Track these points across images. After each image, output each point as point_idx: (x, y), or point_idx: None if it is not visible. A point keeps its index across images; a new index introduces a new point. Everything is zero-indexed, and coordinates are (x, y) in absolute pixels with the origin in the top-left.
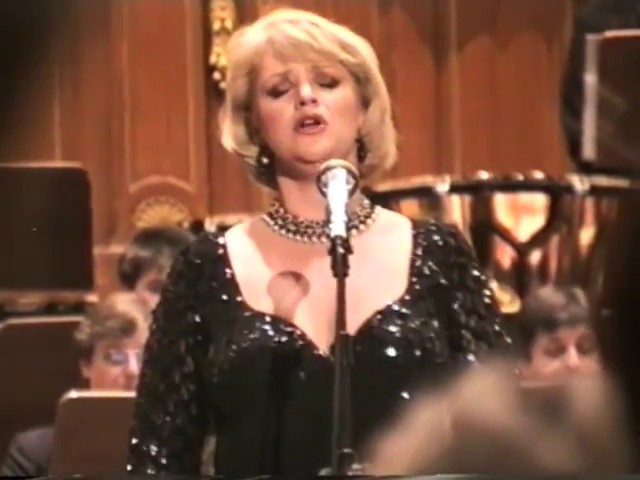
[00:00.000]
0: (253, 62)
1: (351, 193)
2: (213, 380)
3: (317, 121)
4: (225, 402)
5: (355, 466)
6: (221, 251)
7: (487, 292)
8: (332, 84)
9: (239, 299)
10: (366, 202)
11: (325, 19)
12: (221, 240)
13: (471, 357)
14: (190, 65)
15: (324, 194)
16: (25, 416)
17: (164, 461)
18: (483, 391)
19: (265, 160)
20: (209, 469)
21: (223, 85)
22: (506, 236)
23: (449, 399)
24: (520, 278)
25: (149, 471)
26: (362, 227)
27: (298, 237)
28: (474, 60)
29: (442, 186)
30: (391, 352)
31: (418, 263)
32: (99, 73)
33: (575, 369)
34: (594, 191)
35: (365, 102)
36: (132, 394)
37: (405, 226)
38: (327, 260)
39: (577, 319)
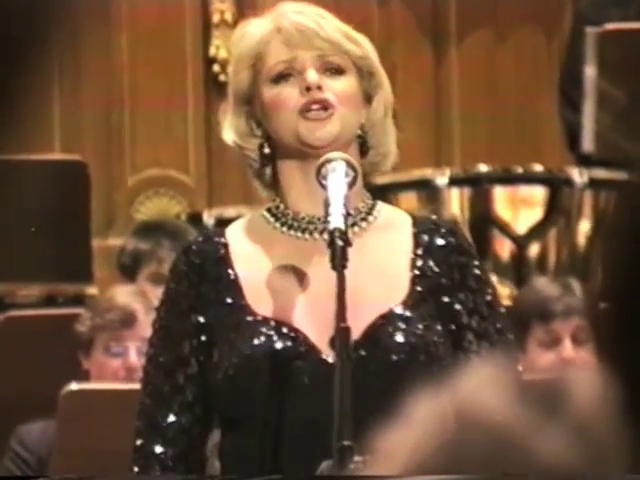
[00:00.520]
0: (258, 51)
1: (350, 185)
2: (218, 385)
3: (325, 106)
4: (230, 406)
5: (356, 458)
6: (222, 251)
7: (489, 290)
8: (337, 72)
9: (242, 302)
10: (368, 197)
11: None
12: (222, 239)
13: (473, 357)
14: (190, 58)
15: (323, 187)
16: (25, 408)
17: (170, 462)
18: (480, 384)
19: (267, 150)
20: (214, 462)
21: (222, 78)
22: (505, 229)
23: (448, 392)
24: (519, 271)
25: (155, 473)
26: (364, 224)
27: (299, 234)
28: (474, 53)
29: (441, 179)
30: (395, 357)
31: (419, 263)
32: (98, 66)
33: (570, 361)
34: (593, 184)
35: (368, 97)
36: (133, 386)
37: (406, 224)
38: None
39: (572, 310)
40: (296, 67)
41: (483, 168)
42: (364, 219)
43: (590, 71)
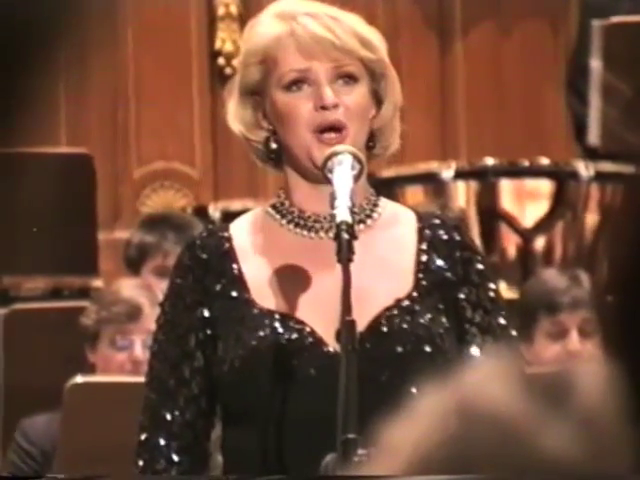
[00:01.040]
0: (270, 52)
1: (356, 179)
2: (223, 377)
3: (338, 128)
4: (235, 399)
5: (360, 451)
6: (227, 245)
7: (491, 285)
8: (350, 81)
9: (247, 296)
10: (372, 194)
11: (331, 5)
12: (226, 234)
13: (477, 351)
14: (195, 50)
15: (329, 180)
16: (30, 401)
17: (175, 457)
18: (485, 377)
19: (273, 145)
20: (216, 456)
21: (228, 70)
22: (511, 222)
23: (452, 386)
24: (525, 264)
25: (160, 466)
26: (369, 222)
27: (305, 232)
28: (479, 46)
29: (447, 172)
30: (400, 348)
31: (424, 258)
32: (104, 59)
33: (576, 353)
34: (599, 177)
35: (378, 99)
36: (138, 379)
37: (410, 219)
38: (335, 255)
39: (579, 303)
40: (310, 77)
41: (489, 161)
42: (369, 216)
43: (596, 64)
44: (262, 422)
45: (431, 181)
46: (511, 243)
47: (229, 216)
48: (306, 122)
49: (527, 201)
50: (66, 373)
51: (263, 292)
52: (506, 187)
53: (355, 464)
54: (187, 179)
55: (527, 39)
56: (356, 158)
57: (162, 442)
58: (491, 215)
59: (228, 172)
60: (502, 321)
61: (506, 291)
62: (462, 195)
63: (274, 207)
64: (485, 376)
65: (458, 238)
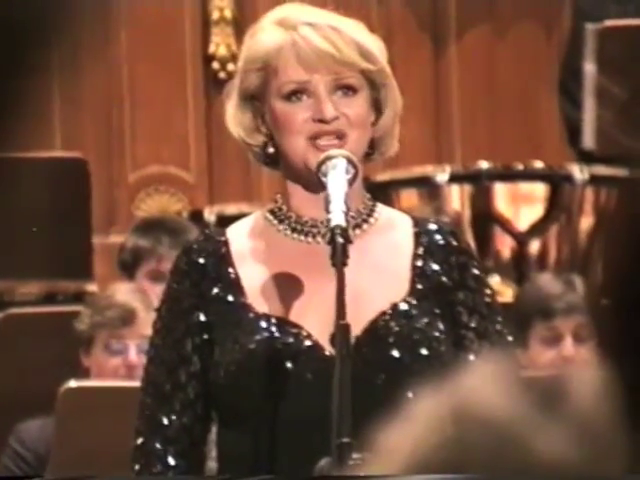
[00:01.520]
0: (271, 61)
1: (351, 183)
2: (219, 381)
3: (338, 135)
4: (231, 402)
5: (355, 455)
6: (224, 250)
7: (487, 291)
8: (350, 92)
9: (244, 300)
10: (368, 198)
11: (324, 9)
12: (223, 238)
13: (473, 357)
14: (189, 55)
15: (323, 184)
16: (25, 406)
17: (171, 461)
18: (481, 381)
19: (271, 150)
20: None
21: (222, 75)
22: (506, 226)
23: (448, 391)
24: (520, 268)
25: (156, 470)
26: (365, 226)
27: (302, 237)
28: (473, 49)
29: (442, 176)
30: (396, 352)
31: (420, 263)
32: (98, 63)
33: (571, 358)
34: (593, 180)
35: (379, 108)
36: (132, 384)
37: (406, 224)
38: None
39: (574, 308)
40: (309, 89)
41: (484, 165)
42: (365, 220)
43: (590, 68)
44: (258, 426)
45: (426, 185)
46: (506, 246)
47: (224, 220)
48: (304, 131)
49: (522, 204)
50: (60, 377)
51: (260, 296)
52: (501, 190)
53: (350, 468)
54: (182, 183)
55: (521, 43)
56: (350, 162)
57: (158, 446)
58: (486, 218)
59: (223, 176)
60: (498, 326)
61: (500, 285)
62: (457, 199)
63: (272, 212)
64: (481, 381)
65: (454, 243)
